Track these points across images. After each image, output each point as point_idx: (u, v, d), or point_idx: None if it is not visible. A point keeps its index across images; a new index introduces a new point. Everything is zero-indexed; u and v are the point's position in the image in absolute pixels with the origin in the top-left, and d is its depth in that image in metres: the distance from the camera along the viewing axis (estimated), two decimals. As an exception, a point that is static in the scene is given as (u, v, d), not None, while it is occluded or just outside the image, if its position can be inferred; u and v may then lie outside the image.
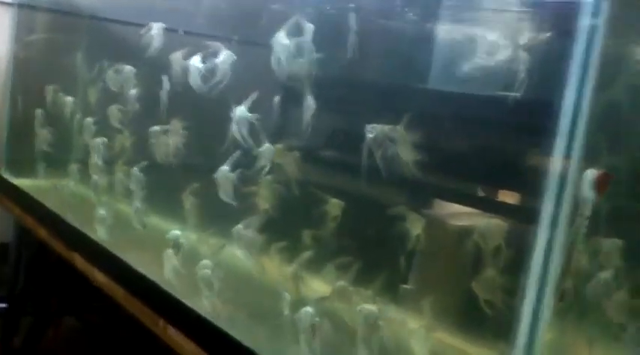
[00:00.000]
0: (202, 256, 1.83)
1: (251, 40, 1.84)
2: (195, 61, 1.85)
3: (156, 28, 2.10)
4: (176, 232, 1.95)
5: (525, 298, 1.05)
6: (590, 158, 1.18)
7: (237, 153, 1.70)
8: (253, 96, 1.71)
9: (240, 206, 1.74)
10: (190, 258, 1.89)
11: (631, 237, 1.28)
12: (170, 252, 1.93)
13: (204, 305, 1.76)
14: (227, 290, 1.73)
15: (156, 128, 2.05)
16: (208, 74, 1.79)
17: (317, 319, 1.48)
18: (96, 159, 2.43)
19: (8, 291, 3.70)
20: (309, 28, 1.47)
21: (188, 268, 1.87)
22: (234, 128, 1.72)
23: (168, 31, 2.09)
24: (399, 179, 1.31)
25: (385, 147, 1.29)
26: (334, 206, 1.60)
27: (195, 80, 1.84)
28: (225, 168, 1.75)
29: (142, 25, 2.15)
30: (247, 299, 1.82)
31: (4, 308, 3.67)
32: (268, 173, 1.66)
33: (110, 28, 2.64)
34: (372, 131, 1.32)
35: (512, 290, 1.09)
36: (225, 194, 1.76)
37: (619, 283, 1.25)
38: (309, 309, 1.50)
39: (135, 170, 2.17)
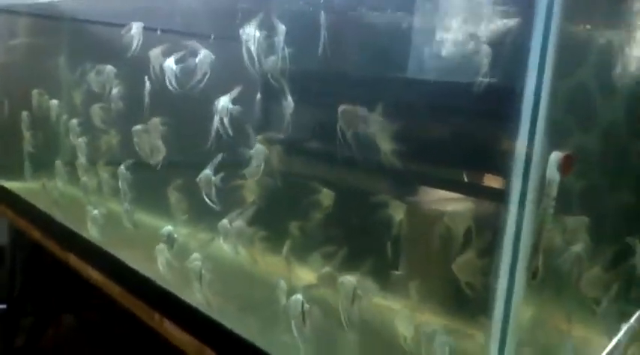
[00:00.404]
0: (192, 250, 1.87)
1: (227, 36, 1.86)
2: (170, 63, 1.89)
3: (135, 28, 2.13)
4: (169, 227, 1.99)
5: (499, 277, 1.10)
6: (560, 139, 1.23)
7: (218, 157, 1.74)
8: (237, 89, 1.74)
9: (224, 206, 1.78)
10: (181, 252, 1.93)
11: (600, 213, 1.33)
12: (162, 246, 1.97)
13: (197, 297, 1.81)
14: (217, 282, 1.77)
15: (138, 127, 2.08)
16: (187, 74, 1.81)
17: (307, 306, 1.52)
18: (81, 159, 2.47)
19: (7, 293, 3.74)
20: (281, 28, 1.52)
21: (180, 261, 1.92)
22: (216, 119, 1.75)
23: (147, 30, 2.12)
24: (375, 164, 1.36)
25: (355, 127, 1.34)
26: (325, 196, 1.65)
27: (170, 81, 1.89)
28: (207, 172, 1.79)
29: (122, 26, 2.18)
30: (238, 290, 1.86)
31: (3, 309, 3.70)
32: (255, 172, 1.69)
33: (91, 29, 2.66)
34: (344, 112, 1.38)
35: (488, 271, 1.14)
36: (208, 197, 1.79)
37: (589, 259, 1.30)
38: (299, 296, 1.54)
39: (122, 169, 2.20)
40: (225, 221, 1.75)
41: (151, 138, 1.99)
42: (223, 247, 1.77)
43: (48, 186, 2.77)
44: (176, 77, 1.88)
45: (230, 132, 1.72)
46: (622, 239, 1.45)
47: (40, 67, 2.93)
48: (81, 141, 2.47)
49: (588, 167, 1.37)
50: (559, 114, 1.25)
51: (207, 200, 1.78)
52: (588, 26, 1.32)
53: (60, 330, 3.73)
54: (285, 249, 1.68)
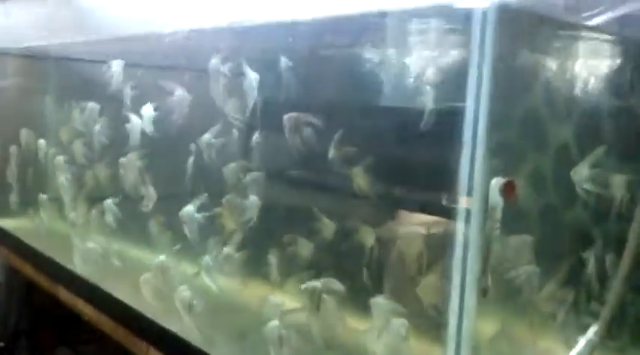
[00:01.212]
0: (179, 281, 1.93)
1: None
2: (148, 110, 2.03)
3: (116, 65, 2.22)
4: (161, 258, 2.03)
5: (451, 297, 1.17)
6: (514, 162, 1.30)
7: (203, 196, 1.82)
8: (217, 127, 1.84)
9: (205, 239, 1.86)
10: (168, 283, 1.99)
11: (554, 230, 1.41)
12: (148, 276, 2.03)
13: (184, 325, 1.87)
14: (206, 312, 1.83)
15: (123, 159, 2.16)
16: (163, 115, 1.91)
17: (283, 331, 1.58)
18: (65, 196, 2.56)
19: (2, 330, 3.78)
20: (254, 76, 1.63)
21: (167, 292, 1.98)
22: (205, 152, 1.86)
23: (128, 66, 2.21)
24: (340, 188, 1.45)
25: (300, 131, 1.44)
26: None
27: (149, 127, 2.03)
28: (190, 208, 1.86)
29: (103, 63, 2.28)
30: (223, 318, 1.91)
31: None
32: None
33: (74, 68, 2.75)
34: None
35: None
36: (190, 232, 1.87)
37: (544, 275, 1.37)
38: (275, 322, 1.59)
39: (108, 203, 2.27)
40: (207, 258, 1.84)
41: (129, 172, 2.08)
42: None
43: (35, 222, 2.86)
44: (154, 123, 2.01)
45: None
46: (576, 254, 1.52)
47: (27, 106, 3.02)
48: (63, 178, 2.56)
49: (543, 186, 1.44)
50: (512, 138, 1.33)
51: (188, 235, 1.84)
52: (534, 55, 1.40)
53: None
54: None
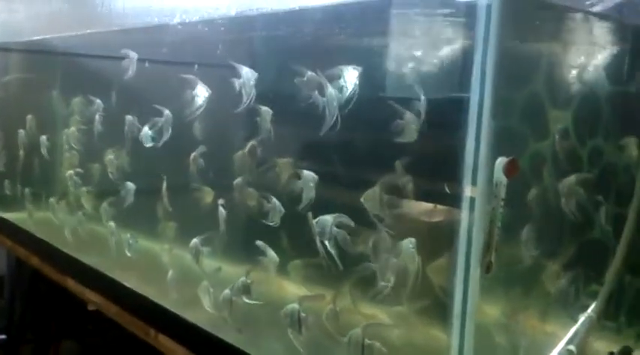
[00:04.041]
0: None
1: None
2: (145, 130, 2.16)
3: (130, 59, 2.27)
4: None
5: (456, 274, 1.21)
6: (516, 146, 1.35)
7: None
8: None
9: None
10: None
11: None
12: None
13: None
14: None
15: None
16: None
17: (303, 314, 1.58)
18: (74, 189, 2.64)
19: (7, 322, 3.82)
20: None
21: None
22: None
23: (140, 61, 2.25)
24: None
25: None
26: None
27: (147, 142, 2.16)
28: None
29: (111, 58, 2.33)
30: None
31: (3, 339, 3.78)
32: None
33: (81, 63, 2.79)
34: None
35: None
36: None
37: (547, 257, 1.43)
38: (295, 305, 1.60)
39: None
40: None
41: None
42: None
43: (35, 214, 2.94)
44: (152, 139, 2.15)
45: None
46: (579, 237, 1.57)
47: (33, 100, 3.06)
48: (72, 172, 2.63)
49: (543, 171, 1.49)
50: (514, 123, 1.38)
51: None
52: (537, 41, 1.45)
53: (60, 355, 3.81)
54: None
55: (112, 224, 2.40)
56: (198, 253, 1.96)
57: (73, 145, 2.66)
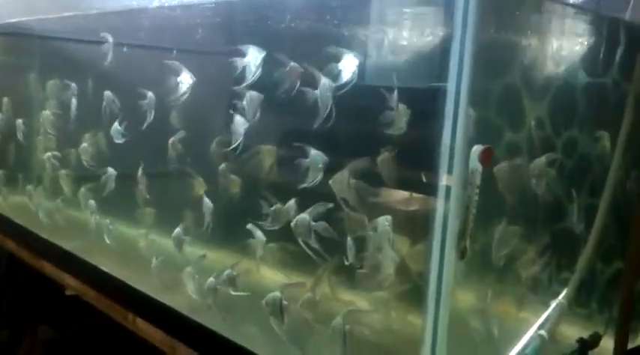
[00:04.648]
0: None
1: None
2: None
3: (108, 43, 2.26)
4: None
5: (431, 259, 1.24)
6: (492, 137, 1.37)
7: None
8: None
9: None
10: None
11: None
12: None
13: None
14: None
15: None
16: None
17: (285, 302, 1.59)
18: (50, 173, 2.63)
19: (-17, 309, 3.78)
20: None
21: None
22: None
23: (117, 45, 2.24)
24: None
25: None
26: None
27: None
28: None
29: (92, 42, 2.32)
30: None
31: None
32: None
33: (59, 46, 2.76)
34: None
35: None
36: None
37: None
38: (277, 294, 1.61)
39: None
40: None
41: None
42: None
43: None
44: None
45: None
46: (552, 226, 1.60)
47: (9, 84, 3.03)
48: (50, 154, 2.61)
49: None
50: (490, 113, 1.40)
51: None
52: (513, 34, 1.47)
53: (36, 342, 3.78)
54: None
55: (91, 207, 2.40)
56: (180, 242, 1.97)
57: (49, 130, 2.64)
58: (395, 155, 1.35)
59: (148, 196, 2.13)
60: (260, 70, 1.68)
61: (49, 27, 2.77)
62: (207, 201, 1.90)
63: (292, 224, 1.57)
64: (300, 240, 1.56)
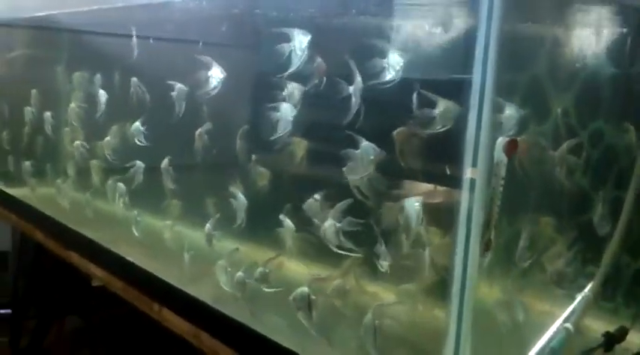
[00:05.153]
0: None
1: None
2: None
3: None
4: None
5: (455, 252, 1.23)
6: (518, 128, 1.36)
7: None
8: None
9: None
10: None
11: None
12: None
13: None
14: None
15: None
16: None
17: (313, 297, 1.59)
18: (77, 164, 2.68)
19: (11, 297, 3.86)
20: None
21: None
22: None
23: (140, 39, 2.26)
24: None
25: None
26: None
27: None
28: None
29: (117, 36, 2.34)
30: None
31: (7, 314, 3.81)
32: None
33: (88, 40, 2.80)
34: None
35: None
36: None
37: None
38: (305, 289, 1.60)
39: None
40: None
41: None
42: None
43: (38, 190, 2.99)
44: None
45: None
46: (578, 219, 1.59)
47: (38, 77, 3.07)
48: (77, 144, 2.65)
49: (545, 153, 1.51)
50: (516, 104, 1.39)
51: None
52: (539, 24, 1.46)
53: (63, 331, 3.85)
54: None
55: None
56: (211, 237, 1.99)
57: (74, 123, 2.67)
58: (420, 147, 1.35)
59: (172, 186, 2.15)
60: (306, 53, 1.63)
61: (77, 21, 2.80)
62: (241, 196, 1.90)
63: (321, 232, 1.57)
64: (331, 246, 1.56)
